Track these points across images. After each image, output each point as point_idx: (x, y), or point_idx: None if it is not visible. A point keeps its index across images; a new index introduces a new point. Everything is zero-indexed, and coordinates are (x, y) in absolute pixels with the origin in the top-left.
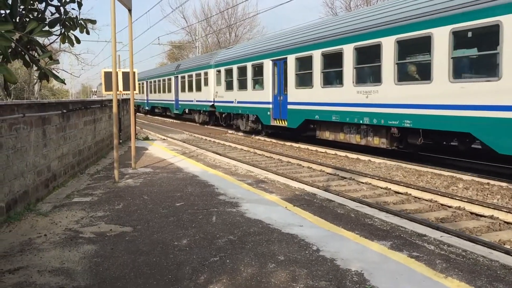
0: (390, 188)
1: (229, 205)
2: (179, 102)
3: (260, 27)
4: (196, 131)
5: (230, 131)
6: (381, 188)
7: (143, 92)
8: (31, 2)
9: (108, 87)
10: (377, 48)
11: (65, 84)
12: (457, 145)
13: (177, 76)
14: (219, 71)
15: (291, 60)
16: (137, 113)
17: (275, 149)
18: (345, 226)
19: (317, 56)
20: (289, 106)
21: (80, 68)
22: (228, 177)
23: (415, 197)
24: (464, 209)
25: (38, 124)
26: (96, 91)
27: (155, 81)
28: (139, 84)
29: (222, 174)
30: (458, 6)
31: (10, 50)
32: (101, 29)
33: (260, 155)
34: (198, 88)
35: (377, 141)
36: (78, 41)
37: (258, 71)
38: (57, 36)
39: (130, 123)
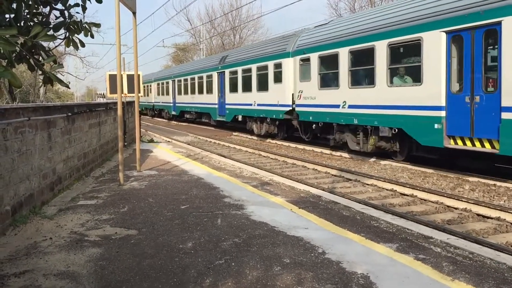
0: (395, 190)
1: (234, 208)
2: (227, 106)
3: (265, 29)
4: (201, 133)
5: (235, 133)
6: (387, 190)
7: (167, 94)
8: (36, 6)
9: (113, 90)
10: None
11: (69, 88)
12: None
13: (223, 72)
14: (305, 60)
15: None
16: (142, 116)
17: (280, 151)
18: (351, 228)
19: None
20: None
21: (85, 71)
22: (233, 180)
23: (421, 199)
24: (471, 210)
25: (43, 127)
26: (104, 94)
27: (185, 79)
28: (158, 84)
29: (227, 177)
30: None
31: (14, 54)
32: (106, 32)
33: (265, 157)
34: (263, 87)
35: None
36: (83, 45)
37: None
38: (61, 40)
39: (135, 125)
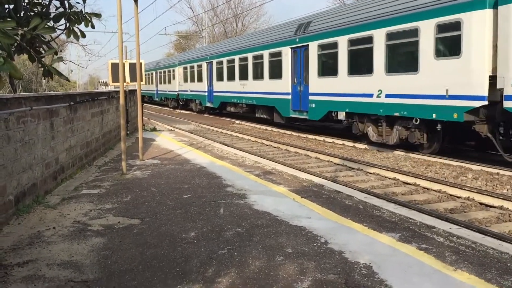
0: (398, 179)
1: (236, 197)
2: (313, 97)
3: (267, 17)
4: (204, 121)
5: (237, 121)
6: (389, 178)
7: (198, 80)
8: None
9: (115, 79)
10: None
11: (69, 81)
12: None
13: (303, 47)
14: None
15: None
16: (145, 104)
17: (282, 140)
18: (353, 218)
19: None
20: None
21: (87, 59)
22: (235, 168)
23: (424, 188)
24: (473, 199)
25: (45, 117)
26: (106, 82)
27: (230, 61)
28: (185, 68)
29: (230, 165)
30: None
31: (14, 46)
32: (107, 20)
33: (267, 145)
34: (407, 68)
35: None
36: (83, 35)
37: None
38: (62, 31)
39: (138, 114)
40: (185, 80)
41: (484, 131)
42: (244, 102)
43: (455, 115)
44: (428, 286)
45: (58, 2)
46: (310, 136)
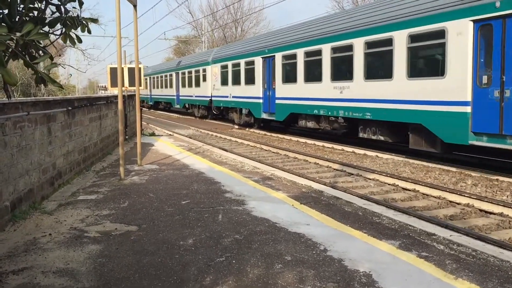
0: (397, 185)
1: (235, 203)
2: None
3: (266, 22)
4: (203, 126)
5: (236, 126)
6: (389, 184)
7: (247, 82)
8: (31, 0)
9: (114, 83)
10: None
11: (63, 88)
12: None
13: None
14: None
15: None
16: (144, 109)
17: (281, 145)
18: (353, 225)
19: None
20: None
21: (86, 63)
22: (234, 174)
23: (423, 194)
24: (473, 206)
25: (43, 122)
26: (105, 86)
27: (309, 53)
28: (225, 67)
29: (228, 171)
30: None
31: (8, 52)
32: (107, 24)
33: (266, 150)
34: None
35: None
36: (80, 41)
37: None
38: (57, 36)
39: (136, 119)
40: (224, 82)
41: None
42: (337, 115)
43: None
44: None
45: (54, 7)
46: (309, 141)
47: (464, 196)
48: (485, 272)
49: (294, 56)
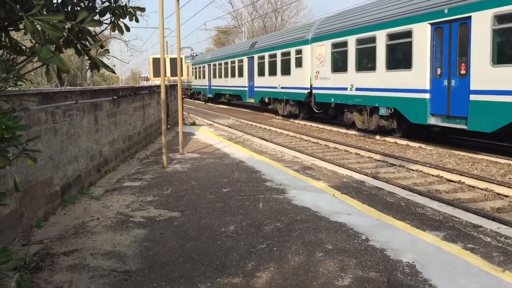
0: (442, 176)
1: (275, 192)
2: None
3: (307, 11)
4: (242, 116)
5: (276, 116)
6: (433, 176)
7: (401, 65)
8: None
9: (156, 73)
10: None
11: (115, 73)
12: None
13: None
14: None
15: None
16: (185, 99)
17: (321, 135)
18: (395, 215)
19: None
20: None
21: (129, 54)
22: (274, 163)
23: (469, 186)
24: None
25: (90, 110)
26: (147, 77)
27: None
28: (342, 45)
29: (268, 160)
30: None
31: (62, 39)
32: (149, 15)
33: (306, 140)
34: None
35: None
36: (128, 29)
37: None
38: (107, 25)
39: (178, 108)
40: (335, 68)
41: None
42: None
43: None
44: None
45: None
46: (350, 132)
47: None
48: None
49: None
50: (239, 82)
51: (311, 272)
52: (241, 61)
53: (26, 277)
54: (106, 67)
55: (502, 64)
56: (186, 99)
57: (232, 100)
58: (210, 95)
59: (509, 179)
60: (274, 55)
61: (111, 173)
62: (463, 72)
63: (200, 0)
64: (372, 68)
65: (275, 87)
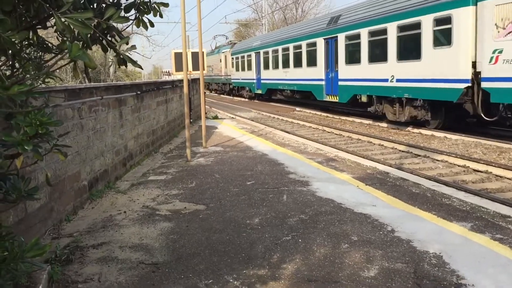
0: (468, 166)
1: (299, 184)
2: None
3: (328, 1)
4: (264, 109)
5: (298, 109)
6: (459, 166)
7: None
8: None
9: (179, 68)
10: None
11: (142, 69)
12: None
13: None
14: None
15: None
16: (205, 92)
17: (344, 127)
18: (421, 206)
19: None
20: None
21: (151, 50)
22: (297, 156)
23: (497, 176)
24: None
25: (115, 106)
26: (169, 71)
27: None
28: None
29: (291, 153)
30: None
31: (89, 36)
32: (170, 10)
33: (329, 132)
34: None
35: None
36: (152, 25)
37: None
38: (132, 21)
39: (200, 102)
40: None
41: None
42: None
43: None
44: (504, 278)
45: None
46: (373, 123)
47: None
48: None
49: None
50: (309, 74)
51: (337, 264)
52: (312, 44)
53: (57, 269)
54: (134, 62)
55: None
56: (208, 94)
57: (294, 97)
58: (259, 91)
59: None
60: (383, 31)
61: (136, 167)
62: None
63: None
64: None
65: (385, 80)
